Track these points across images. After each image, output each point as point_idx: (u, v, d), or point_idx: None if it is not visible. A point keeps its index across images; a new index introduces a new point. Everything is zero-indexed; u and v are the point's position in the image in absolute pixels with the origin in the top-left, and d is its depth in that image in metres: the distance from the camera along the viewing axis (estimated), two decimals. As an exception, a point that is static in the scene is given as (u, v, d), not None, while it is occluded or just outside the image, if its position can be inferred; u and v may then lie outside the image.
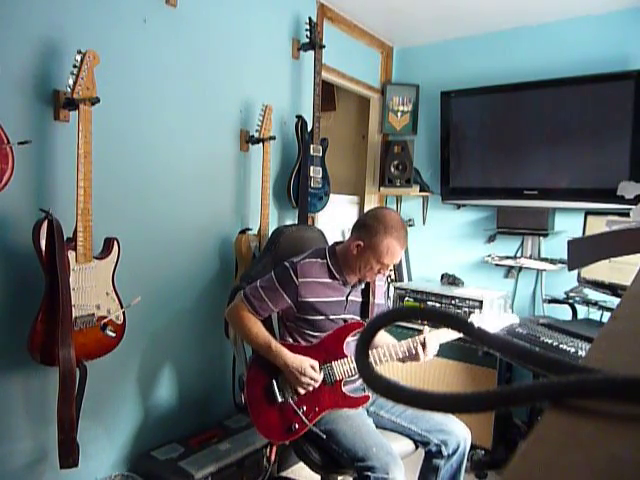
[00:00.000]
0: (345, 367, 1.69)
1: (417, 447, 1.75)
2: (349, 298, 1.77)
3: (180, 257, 2.17)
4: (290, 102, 2.65)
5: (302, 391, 1.66)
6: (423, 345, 1.70)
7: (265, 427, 1.69)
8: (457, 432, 1.71)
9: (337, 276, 1.74)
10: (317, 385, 1.65)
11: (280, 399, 1.67)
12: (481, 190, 2.99)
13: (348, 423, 1.64)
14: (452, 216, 3.21)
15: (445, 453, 1.69)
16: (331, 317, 1.73)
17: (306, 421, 1.64)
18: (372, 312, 1.82)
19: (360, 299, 1.82)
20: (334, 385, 1.69)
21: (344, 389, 1.70)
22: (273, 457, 2.08)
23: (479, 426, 2.39)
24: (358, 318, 1.79)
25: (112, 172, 1.85)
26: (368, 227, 1.68)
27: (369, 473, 1.49)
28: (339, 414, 1.67)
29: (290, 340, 1.76)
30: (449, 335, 1.72)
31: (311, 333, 1.74)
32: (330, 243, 1.87)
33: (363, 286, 1.82)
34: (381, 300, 1.88)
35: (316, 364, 1.66)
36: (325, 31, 2.79)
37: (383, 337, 1.84)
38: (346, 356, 1.70)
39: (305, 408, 1.66)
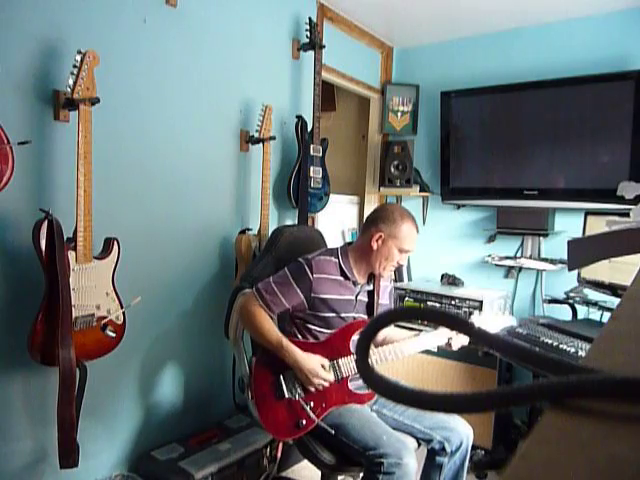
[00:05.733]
0: (351, 365, 1.70)
1: (420, 445, 1.76)
2: (358, 298, 1.80)
3: (180, 257, 2.17)
4: (290, 102, 2.65)
5: (313, 389, 1.67)
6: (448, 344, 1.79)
7: (272, 423, 1.69)
8: (460, 429, 1.72)
9: (348, 275, 1.77)
10: (328, 385, 1.67)
11: (287, 395, 1.67)
12: (481, 190, 2.98)
13: (355, 416, 1.65)
14: (452, 216, 3.21)
15: (448, 450, 1.71)
16: (342, 315, 1.75)
17: (314, 417, 1.65)
18: (377, 312, 1.84)
19: (367, 299, 1.84)
20: (341, 382, 1.70)
21: (350, 386, 1.71)
22: (279, 454, 2.08)
23: (479, 426, 2.39)
24: (366, 317, 1.82)
25: (112, 172, 1.85)
26: (384, 218, 1.73)
27: (382, 460, 1.49)
28: (345, 409, 1.69)
29: (299, 336, 1.76)
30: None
31: (320, 330, 1.75)
32: (329, 244, 1.89)
33: (371, 287, 1.84)
34: (385, 300, 1.90)
35: (326, 362, 1.68)
36: (325, 31, 2.79)
37: (395, 332, 1.88)
38: (352, 354, 1.71)
39: (312, 404, 1.67)
